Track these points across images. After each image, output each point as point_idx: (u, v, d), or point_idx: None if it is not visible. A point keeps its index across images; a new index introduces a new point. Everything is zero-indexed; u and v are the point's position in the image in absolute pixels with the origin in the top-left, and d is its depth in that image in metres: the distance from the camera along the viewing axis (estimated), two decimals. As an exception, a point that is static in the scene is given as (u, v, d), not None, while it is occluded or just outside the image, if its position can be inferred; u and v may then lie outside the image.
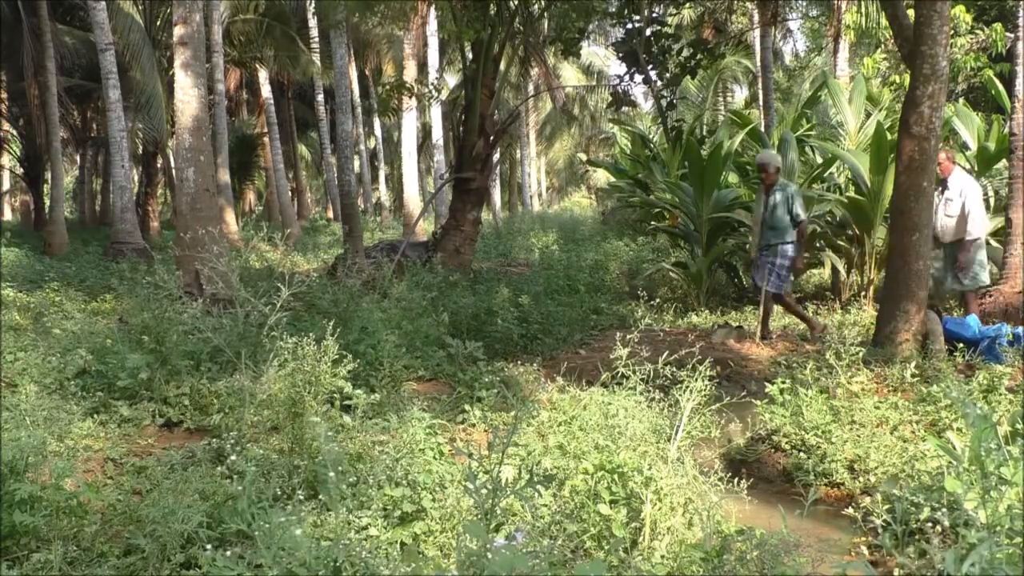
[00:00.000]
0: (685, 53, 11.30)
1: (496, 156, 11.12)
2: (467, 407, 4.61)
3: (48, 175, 18.47)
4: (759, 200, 7.41)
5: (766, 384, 4.79)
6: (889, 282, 6.23)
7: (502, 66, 11.21)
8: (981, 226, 7.21)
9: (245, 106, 30.50)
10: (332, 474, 2.75)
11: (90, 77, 19.37)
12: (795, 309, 7.68)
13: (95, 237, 18.59)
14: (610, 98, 12.57)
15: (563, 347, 6.99)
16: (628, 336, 4.00)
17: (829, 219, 9.38)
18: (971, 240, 7.10)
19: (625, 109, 14.58)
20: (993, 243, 9.00)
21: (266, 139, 24.80)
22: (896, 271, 6.06)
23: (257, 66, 23.38)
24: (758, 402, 4.50)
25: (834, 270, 9.58)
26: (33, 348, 5.45)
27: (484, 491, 2.12)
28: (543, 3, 11.80)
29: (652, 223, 12.84)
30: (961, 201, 7.08)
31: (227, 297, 4.98)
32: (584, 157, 37.60)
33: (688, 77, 12.36)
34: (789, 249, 7.20)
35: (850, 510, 3.05)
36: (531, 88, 26.98)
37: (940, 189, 7.06)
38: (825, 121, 10.85)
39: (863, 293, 8.65)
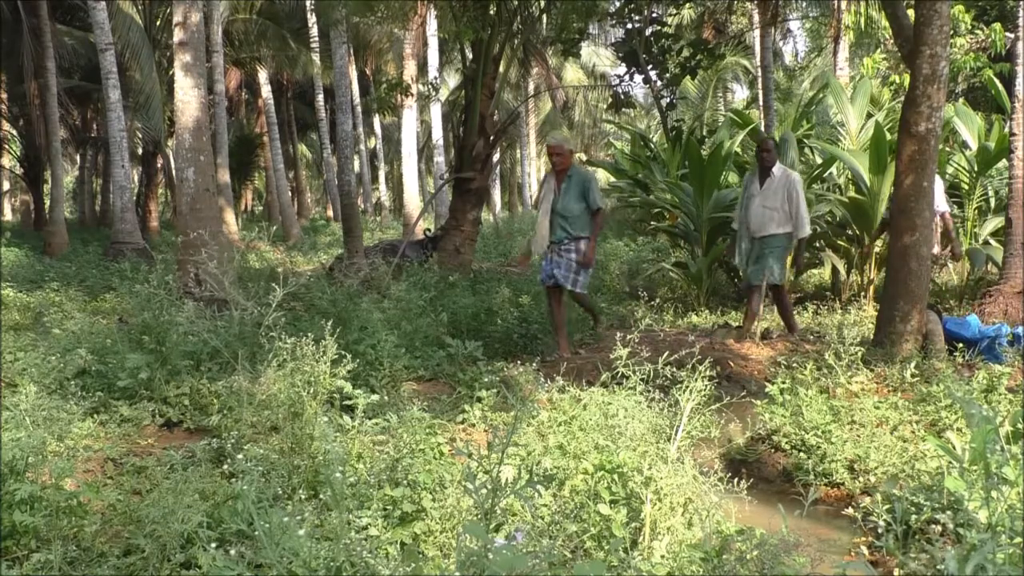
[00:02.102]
0: (685, 53, 11.31)
1: (496, 156, 11.12)
2: (467, 407, 4.61)
3: (48, 175, 18.46)
4: (548, 188, 6.67)
5: (766, 384, 4.78)
6: (889, 282, 6.23)
7: (502, 66, 11.21)
8: (809, 221, 6.89)
9: (245, 106, 30.51)
10: (338, 473, 2.75)
11: (90, 77, 19.39)
12: (588, 306, 7.11)
13: (95, 237, 18.59)
14: (610, 98, 12.58)
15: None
16: (628, 336, 4.00)
17: (829, 219, 9.38)
18: (803, 238, 6.87)
19: (625, 109, 14.57)
20: (993, 243, 9.01)
21: (266, 139, 24.81)
22: (896, 271, 6.06)
23: (257, 66, 23.38)
24: (758, 402, 4.50)
25: (834, 270, 9.58)
26: (33, 348, 5.45)
27: (484, 491, 2.12)
28: (543, 3, 11.79)
29: (652, 223, 12.83)
30: (784, 194, 6.75)
31: (224, 298, 4.98)
32: (584, 157, 37.59)
33: (688, 77, 12.37)
34: (584, 243, 6.51)
35: (850, 510, 3.05)
36: (531, 88, 26.98)
37: (760, 178, 6.85)
38: (825, 121, 10.85)
39: (863, 293, 8.65)
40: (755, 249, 6.92)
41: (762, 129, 12.03)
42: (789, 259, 7.43)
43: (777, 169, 6.84)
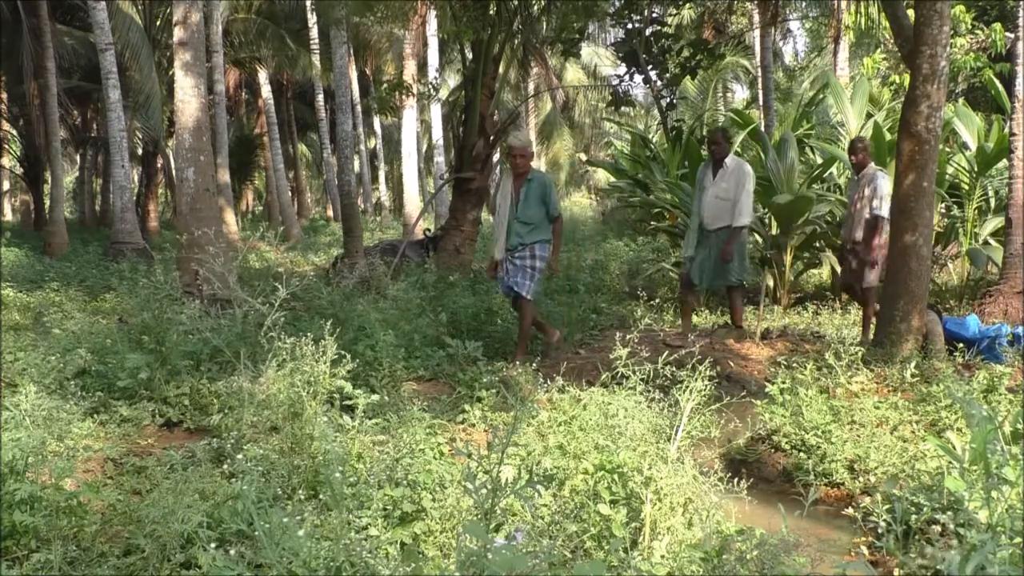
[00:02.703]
0: (685, 53, 11.31)
1: (496, 156, 11.12)
2: (467, 407, 4.61)
3: (48, 175, 18.47)
4: (504, 191, 6.34)
5: (766, 384, 4.78)
6: (889, 282, 6.23)
7: (502, 66, 11.21)
8: (750, 214, 6.78)
9: (245, 106, 30.52)
10: (338, 473, 2.75)
11: (90, 77, 19.39)
12: (536, 321, 6.61)
13: (95, 237, 18.59)
14: (610, 96, 12.58)
15: (563, 347, 6.98)
16: (628, 336, 4.00)
17: (829, 219, 9.38)
18: (739, 228, 6.67)
19: (625, 109, 14.59)
20: (993, 243, 9.01)
21: (266, 139, 24.81)
22: (896, 271, 6.06)
23: (256, 66, 23.39)
24: (758, 402, 4.50)
25: (834, 270, 9.58)
26: (33, 348, 5.45)
27: (484, 491, 2.12)
28: (543, 3, 11.80)
29: (652, 223, 12.83)
30: (735, 184, 6.63)
31: (226, 297, 4.98)
32: (584, 157, 37.59)
33: (688, 77, 12.37)
34: (547, 248, 6.28)
35: (850, 510, 3.05)
36: (531, 88, 26.97)
37: (713, 170, 6.75)
38: (825, 121, 10.85)
39: (863, 293, 8.64)
40: (710, 242, 6.72)
41: (762, 129, 12.02)
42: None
43: (730, 160, 6.73)
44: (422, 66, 18.56)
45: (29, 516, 2.80)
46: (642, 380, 3.83)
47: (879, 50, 16.47)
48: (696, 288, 6.99)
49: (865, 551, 3.24)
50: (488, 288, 8.65)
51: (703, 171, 6.97)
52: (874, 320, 6.68)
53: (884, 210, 6.92)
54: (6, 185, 34.82)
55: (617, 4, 11.63)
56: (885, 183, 7.02)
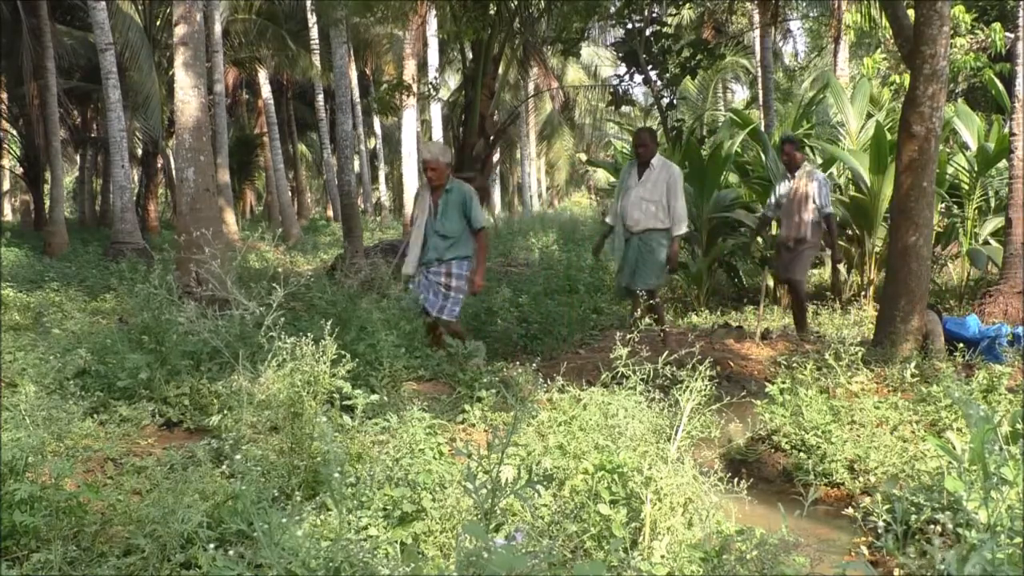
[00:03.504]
0: (685, 53, 11.30)
1: (496, 156, 11.12)
2: (467, 407, 4.61)
3: (48, 175, 18.47)
4: (422, 203, 6.00)
5: (766, 384, 4.79)
6: (889, 282, 6.23)
7: (502, 66, 11.21)
8: (685, 221, 6.61)
9: (245, 106, 30.53)
10: (337, 473, 2.75)
11: (90, 77, 19.41)
12: (457, 332, 6.11)
13: (95, 237, 18.59)
14: (610, 98, 12.58)
15: (563, 347, 6.99)
16: (628, 336, 4.00)
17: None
18: (678, 236, 6.56)
19: (626, 109, 14.60)
20: (993, 243, 9.01)
21: (266, 139, 24.82)
22: (896, 271, 6.06)
23: (256, 66, 23.40)
24: (758, 402, 4.50)
25: (834, 270, 9.58)
26: (33, 348, 5.45)
27: (484, 491, 2.12)
28: (543, 3, 11.79)
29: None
30: (664, 187, 6.49)
31: (225, 297, 4.98)
32: (584, 157, 37.61)
33: (688, 77, 12.36)
34: (465, 266, 5.95)
35: (850, 510, 3.05)
36: (531, 88, 26.97)
37: (639, 170, 6.62)
38: (825, 121, 10.86)
39: (863, 293, 8.66)
40: (633, 246, 6.57)
41: (762, 129, 12.01)
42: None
43: (656, 160, 6.59)
44: (422, 66, 18.57)
45: (29, 516, 2.80)
46: (642, 380, 3.83)
47: (879, 50, 16.48)
48: (627, 292, 6.77)
49: (865, 551, 3.24)
50: (488, 288, 8.65)
51: (627, 171, 6.79)
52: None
53: (831, 207, 7.07)
54: (6, 185, 34.83)
55: (617, 4, 11.62)
56: (826, 179, 7.12)
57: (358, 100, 24.42)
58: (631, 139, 7.00)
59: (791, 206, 7.21)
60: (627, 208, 6.59)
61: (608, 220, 7.10)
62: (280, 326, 4.13)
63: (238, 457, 3.00)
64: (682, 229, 6.55)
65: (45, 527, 2.83)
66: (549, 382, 4.41)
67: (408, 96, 13.67)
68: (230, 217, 18.50)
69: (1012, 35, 8.35)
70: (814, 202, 7.07)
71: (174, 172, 14.57)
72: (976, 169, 8.98)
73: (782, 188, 7.46)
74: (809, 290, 10.10)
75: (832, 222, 7.16)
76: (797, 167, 7.26)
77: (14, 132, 22.93)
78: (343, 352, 3.93)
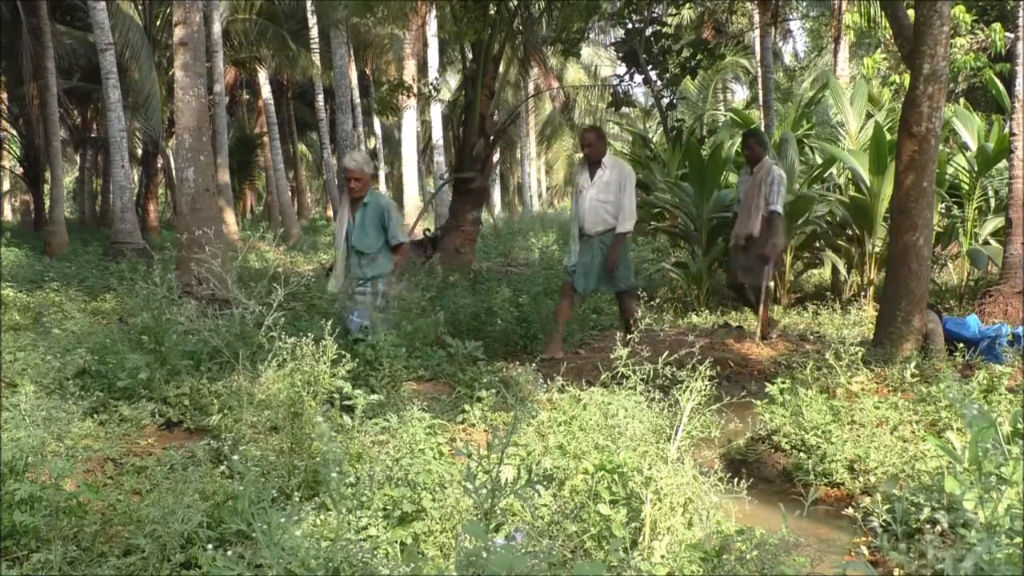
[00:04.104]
0: (685, 53, 11.31)
1: (496, 156, 11.12)
2: (467, 407, 4.61)
3: (48, 175, 18.48)
4: (341, 217, 5.71)
5: (766, 384, 4.79)
6: (889, 282, 6.23)
7: (502, 66, 11.22)
8: (635, 218, 6.48)
9: (245, 106, 30.53)
10: (336, 473, 2.75)
11: (90, 77, 19.41)
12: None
13: (95, 237, 18.60)
14: (610, 97, 12.59)
15: (563, 347, 6.98)
16: (628, 336, 4.00)
17: (829, 219, 9.39)
18: (624, 234, 6.39)
19: (626, 109, 14.59)
20: (993, 243, 9.01)
21: (266, 139, 24.83)
22: (896, 271, 6.06)
23: (256, 66, 23.41)
24: (758, 402, 4.50)
25: (834, 270, 9.58)
26: (33, 348, 5.45)
27: (484, 491, 2.12)
28: (543, 3, 11.80)
29: (652, 223, 12.84)
30: (617, 185, 6.32)
31: (225, 297, 4.98)
32: (582, 156, 37.52)
33: (688, 77, 12.37)
34: (382, 284, 5.62)
35: (850, 510, 3.05)
36: (531, 88, 26.98)
37: (590, 171, 6.44)
38: (825, 121, 10.86)
39: (863, 293, 8.66)
40: (592, 247, 6.40)
41: (762, 129, 12.02)
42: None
43: (607, 159, 6.45)
44: (422, 66, 18.58)
45: (29, 516, 2.80)
46: (642, 380, 3.83)
47: (879, 50, 16.48)
48: (578, 295, 6.64)
49: (865, 551, 3.24)
50: (488, 288, 8.66)
51: (580, 173, 6.62)
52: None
53: (779, 206, 6.83)
54: (6, 185, 34.84)
55: (617, 4, 11.63)
56: (782, 177, 6.91)
57: (358, 100, 24.41)
58: (579, 138, 6.81)
59: (747, 202, 7.02)
60: (582, 211, 6.42)
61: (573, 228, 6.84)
62: (280, 326, 4.13)
63: (237, 457, 3.00)
64: (627, 227, 6.35)
65: (45, 527, 2.83)
66: (549, 382, 4.41)
67: (409, 97, 13.67)
68: (230, 217, 18.50)
69: (1012, 35, 8.35)
70: (765, 198, 6.89)
71: (174, 172, 14.57)
72: (976, 169, 8.98)
73: (743, 184, 7.28)
74: (809, 290, 10.11)
75: (774, 221, 6.90)
76: (758, 162, 7.05)
77: (14, 132, 22.94)
78: (343, 352, 3.93)
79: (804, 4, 18.28)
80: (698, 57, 11.29)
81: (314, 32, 21.35)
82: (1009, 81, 8.07)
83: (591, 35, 19.46)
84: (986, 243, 9.11)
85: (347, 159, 5.68)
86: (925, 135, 5.87)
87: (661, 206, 11.65)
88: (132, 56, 17.43)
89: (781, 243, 7.26)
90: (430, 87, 13.75)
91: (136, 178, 25.59)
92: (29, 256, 13.91)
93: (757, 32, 17.62)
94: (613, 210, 6.33)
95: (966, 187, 9.18)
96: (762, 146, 7.13)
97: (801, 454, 4.16)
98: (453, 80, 27.73)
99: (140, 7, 19.91)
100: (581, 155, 6.65)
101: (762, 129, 12.13)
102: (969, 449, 2.24)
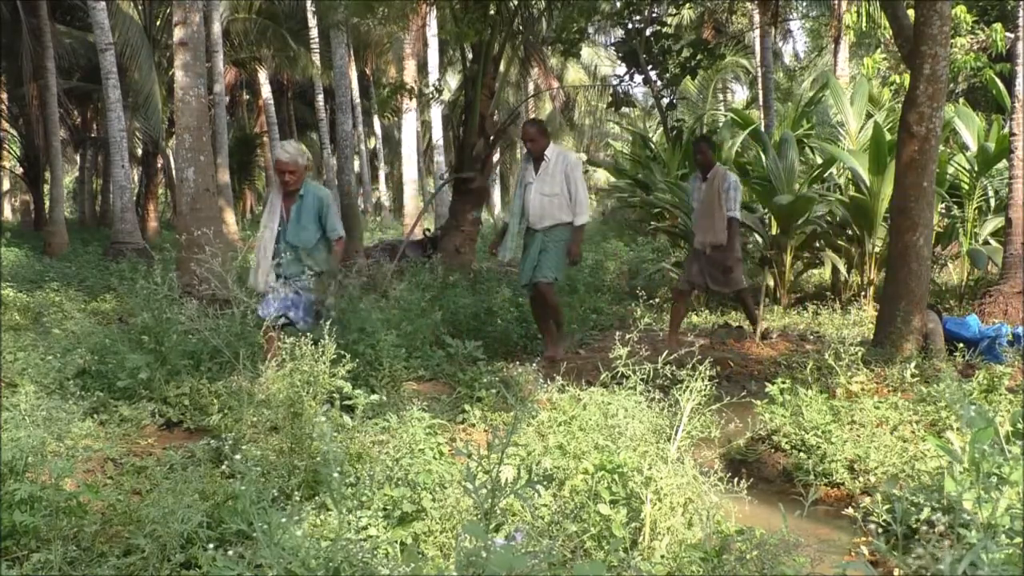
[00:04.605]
0: (685, 53, 11.32)
1: (496, 156, 11.11)
2: (467, 407, 4.61)
3: (48, 175, 18.48)
4: (272, 208, 5.30)
5: (766, 384, 4.79)
6: (889, 282, 6.23)
7: (502, 66, 11.22)
8: (588, 209, 6.27)
9: (245, 106, 30.53)
10: (336, 473, 2.75)
11: (90, 77, 19.41)
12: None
13: (95, 237, 18.59)
14: (611, 97, 12.59)
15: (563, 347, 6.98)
16: (628, 336, 4.00)
17: (829, 219, 9.38)
18: (581, 226, 6.20)
19: (626, 109, 14.61)
20: (993, 243, 9.02)
21: (266, 139, 24.83)
22: (896, 271, 6.06)
23: (256, 66, 23.41)
24: (758, 402, 4.50)
25: (834, 270, 9.58)
26: (33, 348, 5.45)
27: (484, 491, 2.12)
28: (543, 3, 11.80)
29: (652, 223, 12.85)
30: (563, 178, 6.14)
31: (225, 297, 4.97)
32: (584, 157, 37.56)
33: (688, 77, 12.37)
34: (311, 279, 5.18)
35: (850, 510, 3.05)
36: (531, 88, 26.98)
37: (535, 165, 6.27)
38: (825, 121, 10.87)
39: (863, 293, 8.66)
40: (535, 242, 6.21)
41: (762, 129, 12.02)
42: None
43: (551, 151, 6.26)
44: (422, 67, 18.58)
45: (29, 516, 2.80)
46: (642, 380, 3.83)
47: (879, 50, 16.48)
48: (525, 288, 6.46)
49: (865, 551, 3.24)
50: (488, 288, 8.65)
51: (524, 167, 6.46)
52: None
53: (737, 211, 6.76)
54: (6, 185, 34.84)
55: (617, 4, 11.64)
56: (738, 183, 6.81)
57: (358, 100, 24.42)
58: (521, 134, 6.51)
59: (707, 210, 6.86)
60: (527, 206, 6.25)
61: (505, 218, 6.71)
62: (280, 326, 4.14)
63: (237, 457, 3.00)
64: (584, 219, 6.22)
65: (45, 527, 2.83)
66: (549, 382, 4.41)
67: (411, 99, 13.67)
68: (230, 217, 18.50)
69: (1012, 35, 8.35)
70: (723, 205, 6.77)
71: (174, 172, 14.57)
72: (976, 169, 8.98)
73: (696, 191, 7.14)
74: (809, 290, 10.10)
75: (734, 226, 6.82)
76: (710, 168, 6.94)
77: (14, 132, 22.94)
78: (343, 352, 3.93)
79: (804, 4, 18.28)
80: (698, 57, 11.29)
81: (314, 32, 21.33)
82: (1009, 81, 8.07)
83: (591, 35, 19.46)
84: (986, 243, 9.11)
85: (278, 150, 5.27)
86: (925, 135, 5.87)
87: (661, 206, 11.66)
88: (132, 56, 17.43)
89: (739, 248, 7.14)
90: (432, 88, 13.75)
91: (136, 178, 25.58)
92: (29, 256, 13.91)
93: (757, 32, 17.63)
94: (559, 203, 6.14)
95: (966, 187, 9.18)
96: (714, 151, 7.00)
97: (801, 454, 4.16)
98: (453, 80, 27.73)
99: (140, 7, 19.91)
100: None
101: (761, 129, 12.13)
102: (969, 449, 2.23)
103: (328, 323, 4.37)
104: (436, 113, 19.74)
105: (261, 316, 4.97)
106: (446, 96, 18.04)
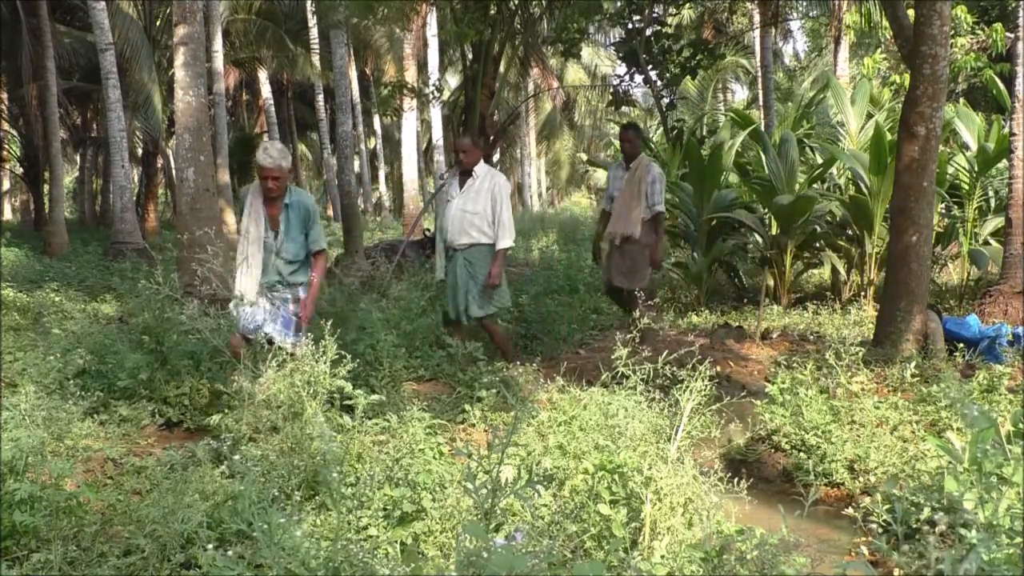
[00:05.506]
0: (685, 53, 11.31)
1: (496, 156, 11.11)
2: (467, 407, 4.61)
3: (48, 175, 18.48)
4: (255, 213, 4.83)
5: (766, 384, 4.78)
6: (889, 282, 6.23)
7: (502, 66, 11.22)
8: (512, 234, 5.89)
9: (245, 106, 30.53)
10: (335, 473, 2.75)
11: (90, 77, 19.41)
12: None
13: (95, 237, 18.59)
14: (611, 96, 12.59)
15: (563, 347, 6.99)
16: (628, 336, 4.00)
17: (829, 219, 9.38)
18: (504, 250, 5.85)
19: (626, 109, 14.62)
20: (993, 243, 9.01)
21: (266, 139, 24.82)
22: (896, 271, 6.06)
23: (256, 66, 23.42)
24: (758, 402, 4.50)
25: (834, 270, 9.58)
26: (33, 348, 5.46)
27: (484, 491, 2.12)
28: (544, 3, 11.79)
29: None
30: (489, 196, 5.84)
31: (227, 296, 4.97)
32: (584, 157, 37.61)
33: (688, 77, 12.37)
34: (303, 291, 4.89)
35: (850, 510, 3.05)
36: (531, 88, 26.98)
37: (460, 180, 5.98)
38: (825, 121, 10.86)
39: (863, 293, 8.66)
40: (459, 264, 5.90)
41: (762, 129, 12.02)
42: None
43: (480, 168, 5.95)
44: (422, 67, 18.58)
45: (29, 516, 2.80)
46: (642, 380, 3.83)
47: (879, 50, 16.48)
48: (453, 321, 6.04)
49: (865, 551, 3.24)
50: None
51: (449, 181, 6.17)
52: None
53: (662, 205, 6.45)
54: (6, 185, 34.84)
55: (617, 4, 11.64)
56: (662, 175, 6.54)
57: (358, 100, 24.42)
58: (453, 145, 6.14)
59: (624, 200, 6.53)
60: (447, 222, 5.94)
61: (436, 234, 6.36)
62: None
63: (237, 457, 3.00)
64: (507, 242, 5.86)
65: (45, 527, 2.84)
66: (549, 382, 4.41)
67: (413, 99, 13.68)
68: (230, 217, 18.47)
69: (1012, 35, 8.35)
70: (646, 198, 6.48)
71: (174, 172, 14.58)
72: (976, 169, 8.97)
73: (616, 180, 6.77)
74: (809, 290, 10.10)
75: (660, 221, 6.51)
76: (635, 157, 6.61)
77: (14, 132, 22.94)
78: (343, 352, 3.93)
79: (804, 4, 18.28)
80: (698, 57, 11.28)
81: (314, 32, 21.36)
82: (1009, 81, 8.07)
83: (591, 35, 19.46)
84: (986, 243, 9.10)
85: (260, 154, 4.74)
86: (925, 135, 5.87)
87: (661, 206, 11.65)
88: (132, 56, 17.43)
89: (666, 244, 6.86)
90: (432, 88, 13.75)
91: (136, 178, 25.59)
92: (29, 256, 13.91)
93: (757, 32, 17.63)
94: (480, 223, 5.82)
95: (966, 187, 9.17)
96: (642, 141, 6.70)
97: (801, 454, 4.16)
98: (453, 80, 27.74)
99: (140, 7, 19.91)
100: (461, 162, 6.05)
101: (761, 129, 12.14)
102: (969, 449, 2.24)
103: (306, 337, 4.24)
104: (436, 113, 19.75)
105: (242, 328, 4.71)
106: (445, 95, 18.03)
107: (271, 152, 4.73)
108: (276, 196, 4.80)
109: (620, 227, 6.49)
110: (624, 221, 6.48)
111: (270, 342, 4.57)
